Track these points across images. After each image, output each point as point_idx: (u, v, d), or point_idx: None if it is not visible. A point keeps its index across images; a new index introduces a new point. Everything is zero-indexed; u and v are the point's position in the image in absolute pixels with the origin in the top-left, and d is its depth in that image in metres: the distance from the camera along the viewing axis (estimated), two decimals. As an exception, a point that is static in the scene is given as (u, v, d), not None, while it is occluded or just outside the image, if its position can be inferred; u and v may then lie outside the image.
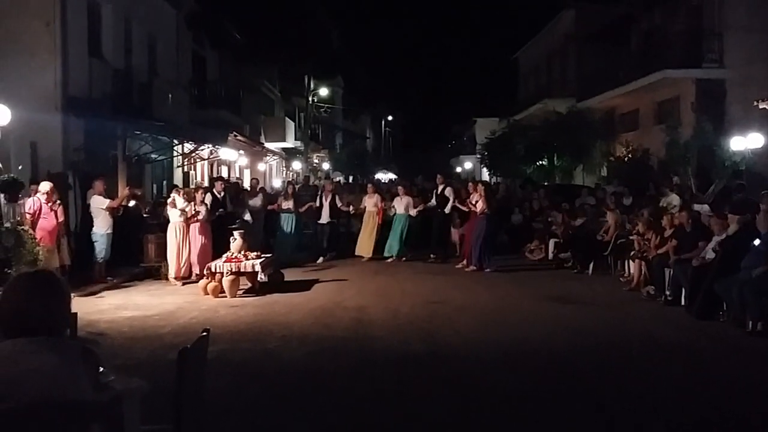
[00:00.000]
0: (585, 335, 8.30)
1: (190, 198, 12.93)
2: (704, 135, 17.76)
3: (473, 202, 14.06)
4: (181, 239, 12.41)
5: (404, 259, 15.33)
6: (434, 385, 6.34)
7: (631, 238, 12.04)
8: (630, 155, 21.38)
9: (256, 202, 15.94)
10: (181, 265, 12.40)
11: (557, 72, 32.64)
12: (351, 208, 16.53)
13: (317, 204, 16.04)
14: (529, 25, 54.40)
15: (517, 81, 40.83)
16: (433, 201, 16.01)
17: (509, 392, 6.11)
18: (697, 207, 13.07)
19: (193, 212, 12.64)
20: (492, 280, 12.67)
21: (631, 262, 11.82)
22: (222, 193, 14.49)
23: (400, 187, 16.78)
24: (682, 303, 9.63)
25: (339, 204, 16.08)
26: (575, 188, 20.57)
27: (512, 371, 6.76)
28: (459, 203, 15.24)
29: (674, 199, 14.07)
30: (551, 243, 15.02)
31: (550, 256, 14.95)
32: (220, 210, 13.96)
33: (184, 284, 12.15)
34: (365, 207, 16.11)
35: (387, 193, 17.76)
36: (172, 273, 12.38)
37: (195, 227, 12.66)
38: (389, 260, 15.30)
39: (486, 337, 8.19)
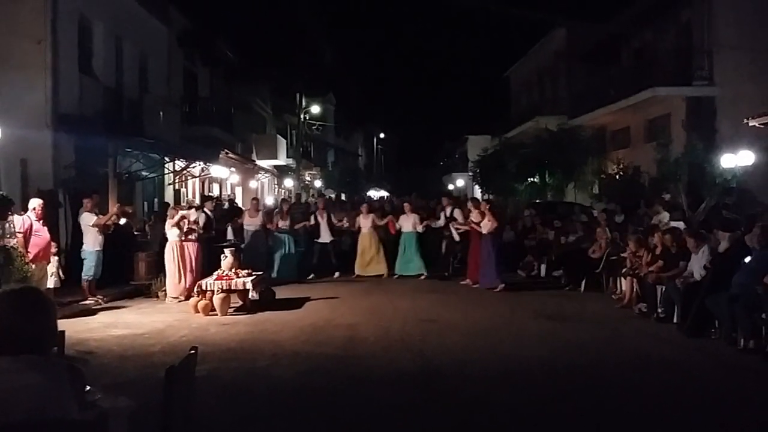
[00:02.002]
0: (577, 353, 8.26)
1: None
2: (695, 152, 17.83)
3: (475, 222, 14.11)
4: (178, 258, 12.36)
5: (423, 276, 15.32)
6: (426, 403, 6.29)
7: (622, 255, 12.04)
8: (621, 172, 21.45)
9: (256, 221, 15.34)
10: (181, 284, 12.35)
11: (548, 90, 32.84)
12: (345, 223, 16.39)
13: (311, 222, 15.98)
14: (520, 43, 54.80)
15: (508, 99, 41.08)
16: (442, 221, 16.04)
17: (502, 410, 6.07)
18: (673, 223, 13.16)
19: (188, 229, 12.60)
20: (484, 298, 12.64)
21: (622, 279, 11.82)
22: (212, 212, 14.47)
23: (406, 205, 16.65)
24: (674, 320, 9.62)
25: (335, 221, 16.04)
26: (567, 205, 20.59)
27: (505, 389, 6.71)
28: (458, 223, 15.43)
29: (665, 216, 14.12)
30: (543, 260, 15.01)
31: (543, 273, 14.93)
32: (212, 232, 13.94)
33: (179, 302, 12.03)
34: (359, 227, 16.01)
35: (380, 210, 17.73)
36: (171, 292, 12.30)
37: (189, 246, 12.59)
38: (421, 278, 15.27)
39: (478, 355, 8.15)
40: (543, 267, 15.12)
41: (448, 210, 16.09)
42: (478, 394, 6.53)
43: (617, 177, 21.48)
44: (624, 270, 11.65)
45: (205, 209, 14.24)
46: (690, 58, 20.69)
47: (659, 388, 6.77)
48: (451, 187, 53.68)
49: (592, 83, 26.01)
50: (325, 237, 15.80)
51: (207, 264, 12.76)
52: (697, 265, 9.62)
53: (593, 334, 9.41)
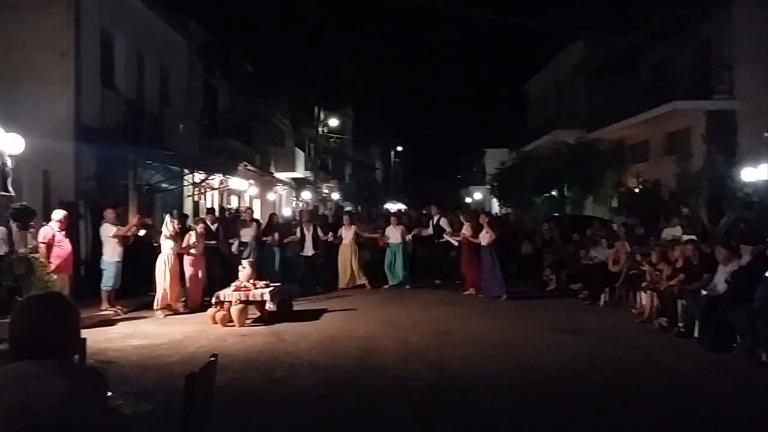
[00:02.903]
0: (596, 367, 8.19)
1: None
2: (715, 166, 17.73)
3: (468, 234, 14.61)
4: (169, 270, 12.15)
5: (408, 286, 15.64)
6: (444, 415, 6.26)
7: (642, 269, 11.94)
8: (641, 186, 21.32)
9: (250, 233, 15.29)
10: (168, 295, 12.14)
11: (566, 103, 32.75)
12: (331, 236, 16.21)
13: (297, 236, 16.01)
14: (538, 57, 54.77)
15: (526, 112, 40.99)
16: (430, 229, 16.34)
17: (519, 424, 6.03)
18: (686, 237, 13.08)
19: (188, 243, 12.53)
20: (502, 311, 12.58)
21: (643, 293, 11.71)
22: (216, 225, 14.34)
23: (393, 218, 17.22)
24: (695, 335, 9.51)
25: (321, 235, 16.04)
26: (586, 219, 20.49)
27: (523, 403, 6.66)
28: (452, 234, 15.72)
29: (677, 230, 14.02)
30: (562, 274, 14.92)
31: (561, 286, 14.84)
32: (213, 242, 13.81)
33: (166, 316, 11.87)
34: (341, 238, 16.10)
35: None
36: (157, 304, 12.04)
37: (187, 259, 12.53)
38: (386, 287, 15.64)
39: (496, 368, 8.10)
40: (561, 280, 15.00)
41: (435, 218, 16.42)
42: (496, 408, 6.49)
43: (636, 191, 21.37)
44: (644, 284, 11.54)
45: (207, 221, 14.08)
46: (710, 71, 20.57)
47: (679, 403, 6.69)
48: (468, 200, 53.60)
49: (611, 96, 25.89)
50: (308, 250, 15.79)
51: (221, 274, 12.91)
52: (723, 278, 9.52)
53: (612, 348, 9.33)
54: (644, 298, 11.59)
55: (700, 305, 9.47)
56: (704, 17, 20.83)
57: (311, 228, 15.95)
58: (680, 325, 10.00)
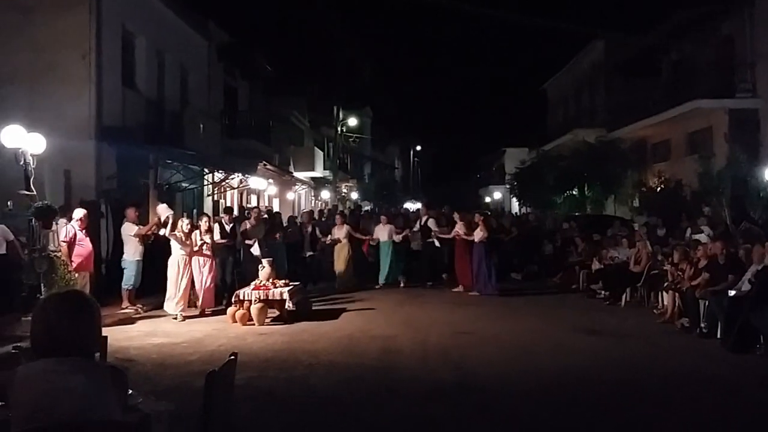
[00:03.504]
0: (617, 368, 8.12)
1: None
2: (738, 165, 17.51)
3: (461, 232, 14.93)
4: (182, 272, 11.83)
5: (402, 285, 15.75)
6: (462, 416, 6.23)
7: (664, 269, 11.82)
8: (662, 186, 21.12)
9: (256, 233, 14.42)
10: (187, 298, 11.91)
11: (586, 102, 32.54)
12: (329, 238, 16.11)
13: (298, 235, 16.01)
14: (558, 56, 54.48)
15: (546, 111, 40.78)
16: (417, 227, 16.67)
17: (539, 425, 5.98)
18: (695, 236, 12.94)
19: (199, 242, 12.14)
20: (522, 311, 12.51)
21: (664, 293, 11.59)
22: (232, 225, 13.80)
23: (383, 216, 17.30)
24: (718, 336, 9.39)
25: (319, 236, 16.02)
26: (607, 219, 20.34)
27: (542, 404, 6.61)
28: (442, 232, 16.10)
29: (706, 229, 13.86)
30: (582, 274, 14.82)
31: (581, 286, 14.74)
32: (225, 241, 13.21)
33: (185, 318, 11.57)
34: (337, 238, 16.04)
35: (415, 222, 17.73)
36: (172, 307, 11.66)
37: (198, 259, 12.11)
38: (377, 287, 15.62)
39: (516, 369, 8.05)
40: (582, 280, 14.89)
41: (424, 219, 16.76)
42: (516, 409, 6.44)
43: (658, 190, 21.17)
44: (666, 284, 11.42)
45: (222, 221, 13.76)
46: (732, 70, 20.34)
47: (701, 405, 6.61)
48: (488, 199, 53.41)
49: (631, 95, 25.67)
50: (306, 251, 15.83)
51: (239, 275, 12.85)
52: (748, 277, 9.39)
53: (634, 349, 9.23)
54: (666, 298, 11.48)
55: (723, 306, 9.35)
56: (726, 14, 20.59)
57: (310, 229, 15.90)
58: (702, 325, 9.88)
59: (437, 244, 16.20)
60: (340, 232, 16.01)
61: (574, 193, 26.36)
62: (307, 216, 17.10)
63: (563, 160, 26.59)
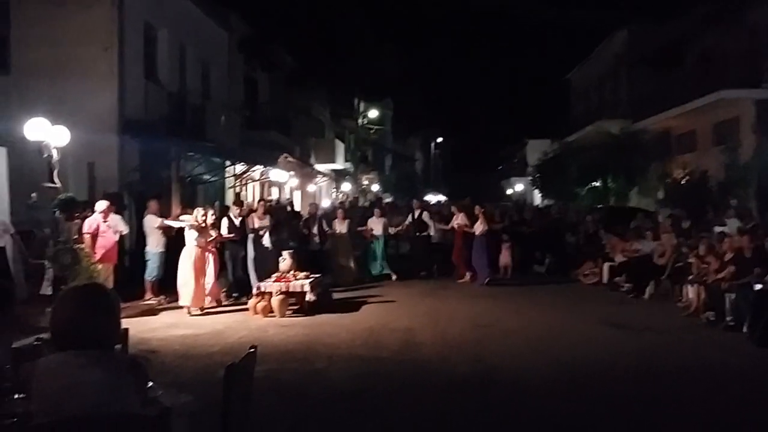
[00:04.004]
0: (641, 362, 8.02)
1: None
2: (765, 156, 17.22)
3: (458, 223, 15.36)
4: (195, 265, 11.27)
5: (394, 278, 15.62)
6: (483, 410, 6.18)
7: (689, 261, 11.66)
8: (687, 177, 20.85)
9: (264, 224, 13.57)
10: (203, 292, 11.46)
11: (610, 93, 32.18)
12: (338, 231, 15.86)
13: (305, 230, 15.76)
14: (581, 46, 53.90)
15: (569, 102, 40.41)
16: (408, 219, 16.79)
17: (561, 420, 5.92)
18: (719, 229, 12.74)
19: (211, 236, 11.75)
20: (544, 304, 12.41)
21: (689, 286, 11.43)
22: (241, 218, 13.17)
23: (376, 210, 17.27)
24: (744, 330, 9.24)
25: (326, 229, 15.78)
26: (630, 211, 20.13)
27: (565, 398, 6.54)
28: (441, 223, 16.35)
29: (733, 223, 13.64)
30: (605, 266, 14.67)
31: (605, 279, 14.60)
32: (233, 235, 12.75)
33: (203, 310, 11.31)
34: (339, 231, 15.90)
35: (437, 214, 17.68)
36: (188, 301, 11.18)
37: (207, 252, 11.62)
38: (393, 278, 15.65)
39: (537, 363, 7.98)
40: (605, 273, 14.74)
41: (417, 212, 16.85)
42: (537, 403, 6.39)
43: (683, 182, 20.91)
44: (691, 277, 11.27)
45: (231, 214, 13.18)
46: (758, 59, 19.95)
47: (727, 399, 6.50)
48: (509, 191, 53.16)
49: (656, 86, 25.34)
50: (313, 244, 15.57)
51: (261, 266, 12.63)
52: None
53: (657, 343, 9.12)
54: (691, 291, 11.31)
55: (749, 299, 9.20)
56: (751, 2, 20.21)
57: (316, 222, 15.73)
58: (728, 319, 9.74)
59: (433, 236, 16.42)
60: (341, 226, 15.87)
61: (597, 185, 26.12)
62: (313, 209, 16.85)
63: (586, 152, 26.34)
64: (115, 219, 11.71)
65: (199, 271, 11.32)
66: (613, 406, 6.29)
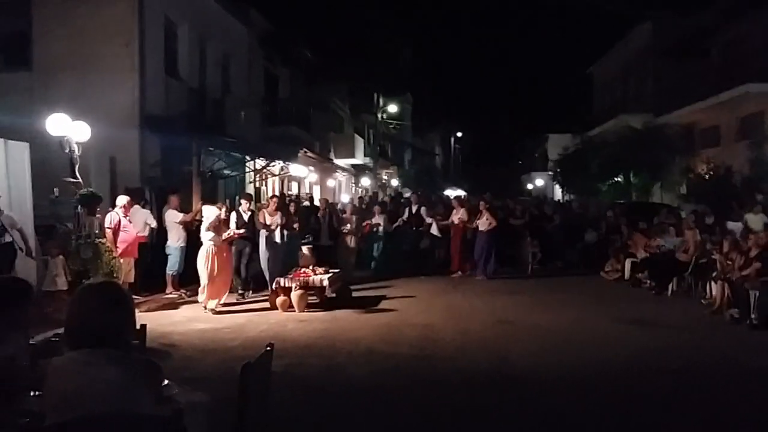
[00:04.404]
0: (662, 360, 7.91)
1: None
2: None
3: (459, 217, 15.48)
4: (212, 262, 10.90)
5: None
6: (503, 407, 6.12)
7: (713, 258, 11.49)
8: (711, 172, 20.56)
9: (276, 221, 12.98)
10: (219, 289, 11.07)
11: (633, 86, 31.85)
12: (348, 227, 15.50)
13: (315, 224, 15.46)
14: (603, 39, 53.27)
15: (591, 96, 40.05)
16: (405, 215, 16.82)
17: (583, 419, 5.84)
18: (731, 225, 12.54)
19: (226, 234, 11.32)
20: (565, 300, 12.30)
21: (713, 283, 11.26)
22: (249, 213, 12.64)
23: (376, 207, 17.22)
24: (769, 327, 9.10)
25: (335, 225, 15.50)
26: (653, 206, 19.92)
27: (586, 396, 6.47)
28: (440, 219, 16.32)
29: (760, 219, 13.43)
30: (627, 263, 14.51)
31: (627, 275, 14.44)
32: (242, 231, 12.13)
33: (222, 308, 11.04)
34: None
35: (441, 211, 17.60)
36: (203, 298, 10.95)
37: (223, 249, 11.23)
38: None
39: (559, 360, 7.89)
40: (627, 269, 14.58)
41: (414, 208, 16.97)
42: (558, 401, 6.31)
43: (707, 177, 20.63)
44: (715, 274, 11.10)
45: (240, 208, 12.60)
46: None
47: (750, 398, 6.39)
48: (530, 186, 52.84)
49: (680, 79, 25.03)
50: (325, 240, 15.13)
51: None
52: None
53: (680, 340, 9.00)
54: (715, 288, 11.14)
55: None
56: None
57: (327, 217, 15.40)
58: (753, 317, 9.58)
59: (435, 232, 16.34)
60: (348, 221, 15.57)
61: (619, 180, 25.86)
62: (324, 203, 16.39)
63: (609, 146, 26.09)
64: (144, 213, 11.83)
65: (217, 269, 10.92)
66: (634, 404, 6.20)
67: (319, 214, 15.50)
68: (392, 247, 16.23)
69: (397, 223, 16.57)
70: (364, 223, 15.86)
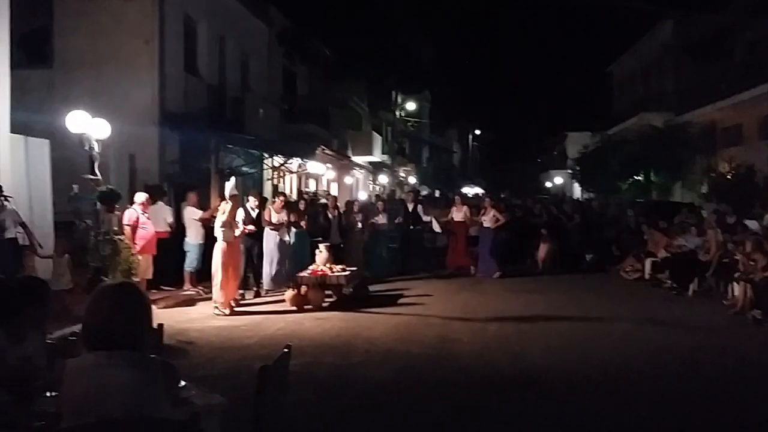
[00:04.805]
0: (683, 361, 7.81)
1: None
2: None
3: (461, 215, 15.63)
4: (226, 259, 10.57)
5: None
6: (522, 410, 6.06)
7: (735, 258, 11.32)
8: (733, 171, 20.30)
9: (282, 218, 12.79)
10: (230, 290, 10.72)
11: (654, 85, 31.53)
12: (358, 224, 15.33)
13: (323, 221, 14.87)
14: (624, 36, 52.81)
15: (611, 94, 39.71)
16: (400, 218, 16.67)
17: (601, 421, 5.77)
18: (748, 223, 12.34)
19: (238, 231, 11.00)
20: (584, 300, 12.19)
21: (735, 284, 11.10)
22: (256, 210, 12.37)
23: (379, 203, 17.25)
24: (794, 330, 8.95)
25: (343, 223, 15.10)
26: (674, 206, 19.71)
27: (606, 398, 6.38)
28: (439, 217, 16.61)
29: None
30: (648, 262, 14.35)
31: (647, 275, 14.29)
32: (251, 227, 11.80)
33: (232, 310, 10.63)
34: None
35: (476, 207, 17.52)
36: (221, 298, 10.52)
37: (235, 246, 10.91)
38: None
39: (577, 361, 7.80)
40: (647, 269, 14.43)
41: (411, 207, 16.80)
42: (577, 403, 6.24)
43: (728, 176, 20.37)
44: (737, 274, 10.94)
45: (248, 205, 12.24)
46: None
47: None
48: (548, 184, 52.54)
49: (702, 78, 24.73)
50: (335, 237, 14.46)
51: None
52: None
53: (701, 341, 8.86)
54: (737, 289, 10.99)
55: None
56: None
57: (336, 215, 14.92)
58: (776, 318, 9.43)
59: (436, 228, 16.55)
60: (356, 219, 15.29)
61: (639, 178, 25.63)
62: (333, 201, 15.90)
63: (629, 145, 25.86)
64: (166, 210, 11.86)
65: (229, 267, 10.63)
66: (655, 406, 6.11)
67: (328, 212, 14.97)
68: (391, 246, 16.14)
69: (396, 221, 16.46)
70: (370, 222, 15.72)
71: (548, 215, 18.20)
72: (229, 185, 11.07)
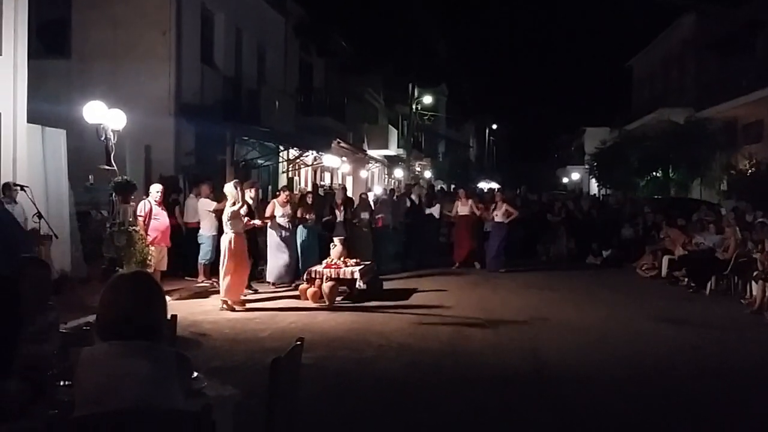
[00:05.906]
0: (700, 360, 7.72)
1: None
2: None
3: (467, 209, 15.65)
4: (232, 251, 10.09)
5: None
6: (536, 407, 5.99)
7: (754, 256, 11.17)
8: (753, 168, 20.03)
9: (286, 212, 12.57)
10: (237, 284, 10.29)
11: (674, 80, 31.18)
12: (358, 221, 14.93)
13: (330, 216, 14.26)
14: (644, 31, 52.30)
15: (630, 89, 39.34)
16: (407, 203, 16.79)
17: (617, 420, 5.70)
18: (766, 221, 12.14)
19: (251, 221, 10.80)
20: (600, 297, 12.10)
21: (754, 283, 10.95)
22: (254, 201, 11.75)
23: (383, 199, 17.11)
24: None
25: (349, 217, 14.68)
26: (692, 203, 19.49)
27: (620, 397, 6.30)
28: (446, 211, 16.58)
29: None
30: (665, 260, 14.21)
31: (664, 273, 14.14)
32: (256, 221, 11.49)
33: (245, 305, 10.37)
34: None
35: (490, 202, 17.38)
36: (229, 294, 10.15)
37: (241, 239, 10.41)
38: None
39: (593, 358, 7.73)
40: (664, 266, 14.28)
41: (416, 199, 17.03)
42: (591, 401, 6.17)
43: (748, 173, 20.12)
44: (755, 273, 10.79)
45: (248, 196, 11.18)
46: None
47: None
48: (565, 180, 52.26)
49: (723, 73, 24.40)
50: (340, 232, 13.85)
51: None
52: None
53: (718, 340, 8.76)
54: (755, 288, 10.84)
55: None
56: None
57: (343, 209, 14.39)
58: (796, 318, 9.29)
59: (436, 215, 16.72)
60: (364, 214, 15.00)
61: (657, 175, 25.37)
62: (341, 194, 15.25)
63: (648, 141, 25.59)
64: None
65: (237, 260, 10.15)
66: (671, 405, 6.04)
67: (334, 206, 14.46)
68: (391, 242, 15.84)
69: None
70: (377, 217, 15.42)
71: (566, 212, 18.07)
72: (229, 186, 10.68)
